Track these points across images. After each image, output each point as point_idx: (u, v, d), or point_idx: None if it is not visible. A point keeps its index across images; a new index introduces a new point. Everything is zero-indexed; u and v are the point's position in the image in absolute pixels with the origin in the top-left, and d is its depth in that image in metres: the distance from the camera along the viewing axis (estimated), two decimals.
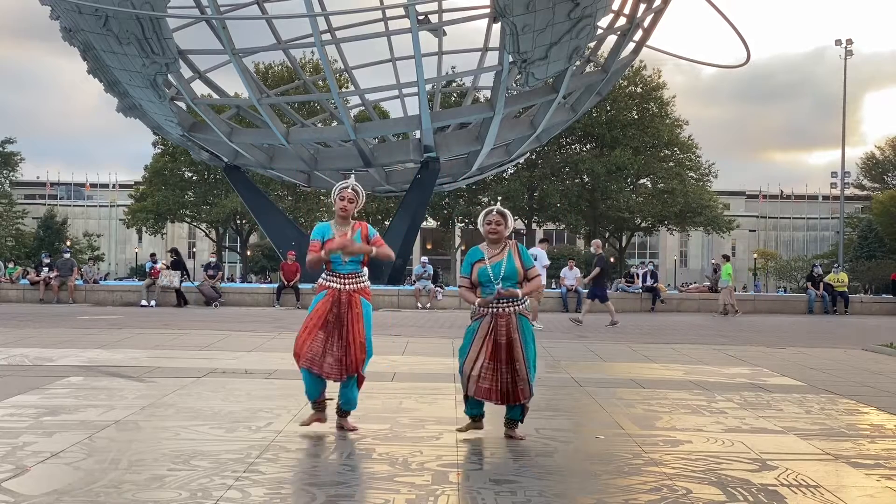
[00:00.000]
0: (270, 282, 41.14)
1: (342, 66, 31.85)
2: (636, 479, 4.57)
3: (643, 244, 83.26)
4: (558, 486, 4.41)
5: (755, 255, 74.69)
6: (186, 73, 24.51)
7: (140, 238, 75.66)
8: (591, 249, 18.32)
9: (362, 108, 34.86)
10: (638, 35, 24.83)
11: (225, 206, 53.49)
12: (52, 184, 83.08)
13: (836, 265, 32.51)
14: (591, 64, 27.41)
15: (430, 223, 59.69)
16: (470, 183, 38.14)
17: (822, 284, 26.00)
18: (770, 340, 14.20)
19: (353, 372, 5.62)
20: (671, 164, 55.30)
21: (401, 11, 26.58)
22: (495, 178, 48.21)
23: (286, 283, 23.29)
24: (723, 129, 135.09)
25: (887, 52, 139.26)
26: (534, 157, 51.89)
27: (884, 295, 30.08)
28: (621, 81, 47.60)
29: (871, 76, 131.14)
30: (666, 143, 53.94)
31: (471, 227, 54.41)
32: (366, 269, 5.77)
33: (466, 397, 5.57)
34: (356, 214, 5.84)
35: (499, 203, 6.02)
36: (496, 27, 23.84)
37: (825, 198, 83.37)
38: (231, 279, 47.64)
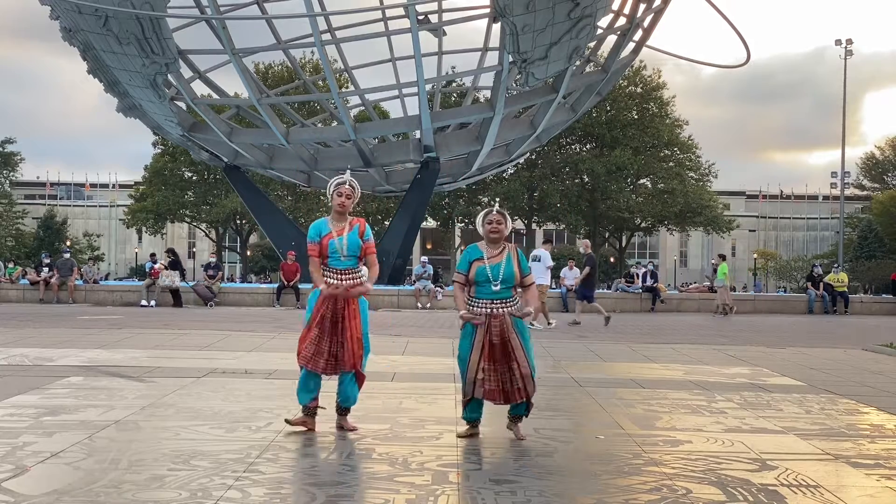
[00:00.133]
0: (270, 282, 41.16)
1: (342, 66, 31.85)
2: (636, 479, 4.57)
3: (643, 244, 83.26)
4: (558, 486, 4.41)
5: (755, 255, 74.70)
6: (186, 73, 24.51)
7: (140, 238, 75.66)
8: (581, 249, 18.24)
9: (362, 108, 34.86)
10: (638, 35, 24.83)
11: (225, 206, 53.50)
12: (52, 184, 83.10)
13: (836, 265, 32.53)
14: (591, 64, 27.42)
15: (430, 223, 59.70)
16: (470, 183, 38.14)
17: (822, 284, 26.01)
18: (770, 340, 14.20)
19: (350, 368, 5.62)
20: (671, 164, 55.29)
21: (401, 11, 26.58)
22: (495, 178, 48.21)
23: (286, 283, 23.28)
24: (723, 129, 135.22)
25: (887, 52, 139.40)
26: (534, 157, 51.88)
27: (884, 295, 30.09)
28: (621, 81, 47.58)
29: (872, 76, 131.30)
30: (666, 143, 53.93)
31: (470, 227, 54.38)
32: (363, 267, 5.79)
33: (467, 402, 5.57)
34: (353, 210, 5.86)
35: (497, 203, 6.03)
36: (496, 27, 23.85)
37: (825, 198, 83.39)
38: (231, 279, 47.64)
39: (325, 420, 5.81)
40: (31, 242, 57.34)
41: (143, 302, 22.55)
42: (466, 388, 5.53)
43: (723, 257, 24.92)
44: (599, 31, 23.23)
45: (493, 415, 5.94)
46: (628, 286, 26.08)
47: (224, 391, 7.26)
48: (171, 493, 4.06)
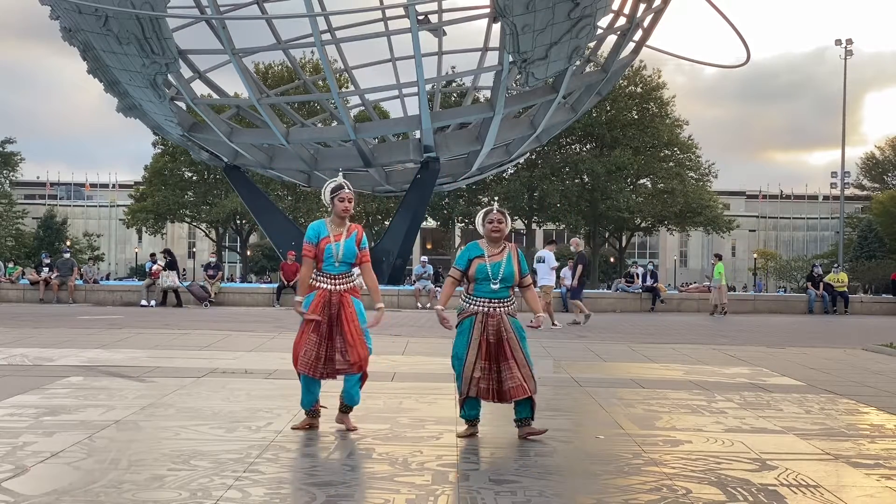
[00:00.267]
0: (270, 282, 41.14)
1: (342, 66, 31.85)
2: (636, 479, 4.57)
3: (643, 244, 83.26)
4: (558, 486, 4.41)
5: (755, 255, 74.68)
6: (186, 73, 24.50)
7: (140, 238, 75.66)
8: (571, 248, 18.24)
9: (362, 108, 34.85)
10: (638, 35, 24.83)
11: (225, 206, 53.50)
12: (52, 184, 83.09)
13: (835, 265, 32.53)
14: (591, 64, 27.43)
15: (430, 223, 59.72)
16: (470, 183, 38.15)
17: (822, 284, 26.01)
18: (770, 340, 14.20)
19: (357, 370, 5.64)
20: (671, 164, 55.31)
21: (401, 11, 26.59)
22: (495, 178, 48.21)
23: (286, 283, 23.27)
24: (723, 129, 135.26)
25: (888, 53, 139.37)
26: (534, 157, 51.88)
27: (884, 295, 30.07)
28: (621, 81, 47.58)
29: (873, 76, 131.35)
30: (666, 143, 53.95)
31: (471, 227, 54.38)
32: (356, 270, 5.81)
33: (464, 400, 5.57)
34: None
35: (497, 203, 6.04)
36: (496, 27, 23.85)
37: (825, 198, 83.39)
38: (231, 279, 47.64)
39: (326, 420, 5.82)
40: (31, 242, 57.32)
41: (143, 302, 22.56)
42: (462, 386, 5.54)
43: (719, 257, 24.92)
44: (599, 31, 23.23)
45: (493, 415, 5.94)
46: (628, 286, 26.08)
47: (224, 391, 7.26)
48: (171, 493, 4.06)
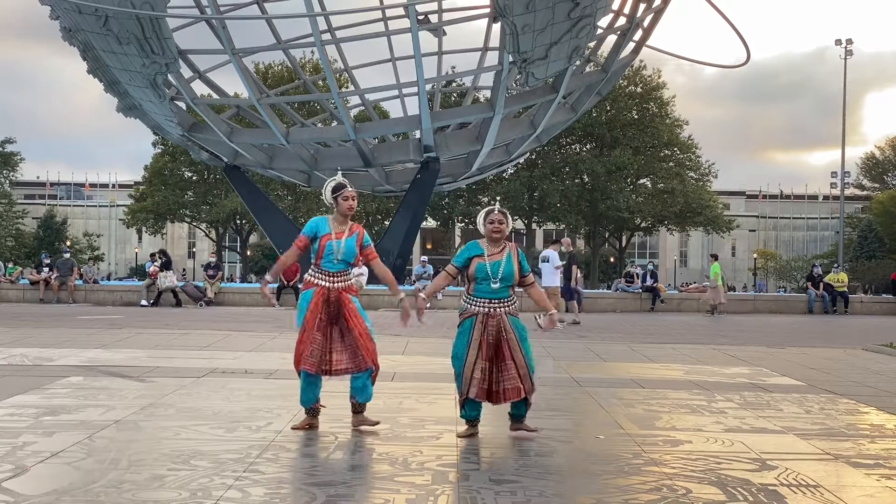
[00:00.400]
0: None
1: (342, 66, 31.83)
2: (636, 479, 4.57)
3: (643, 244, 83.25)
4: (558, 486, 4.41)
5: (755, 255, 74.68)
6: (186, 73, 24.48)
7: (140, 238, 75.67)
8: (563, 248, 17.93)
9: (362, 108, 34.81)
10: (638, 35, 24.82)
11: (225, 206, 53.49)
12: (52, 184, 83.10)
13: (835, 265, 32.51)
14: (591, 64, 27.40)
15: (430, 223, 59.70)
16: (470, 183, 38.12)
17: (821, 284, 26.00)
18: (770, 340, 14.20)
19: (368, 366, 5.65)
20: (671, 164, 55.31)
21: (401, 11, 26.57)
22: (495, 178, 48.20)
23: (286, 283, 23.27)
24: (724, 128, 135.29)
25: (889, 53, 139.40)
26: (534, 157, 51.88)
27: (884, 295, 30.07)
28: (621, 81, 47.58)
29: (873, 76, 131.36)
30: (666, 143, 53.94)
31: (471, 226, 54.41)
32: (354, 270, 5.81)
33: (464, 401, 5.57)
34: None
35: (497, 203, 6.05)
36: (496, 27, 23.83)
37: (825, 198, 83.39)
38: (231, 279, 47.63)
39: (326, 420, 5.82)
40: (31, 242, 57.32)
41: (143, 302, 22.56)
42: (462, 386, 5.53)
43: (715, 257, 24.90)
44: (599, 31, 23.21)
45: (493, 415, 5.94)
46: (628, 286, 26.08)
47: (224, 391, 7.26)
48: (171, 492, 4.06)
